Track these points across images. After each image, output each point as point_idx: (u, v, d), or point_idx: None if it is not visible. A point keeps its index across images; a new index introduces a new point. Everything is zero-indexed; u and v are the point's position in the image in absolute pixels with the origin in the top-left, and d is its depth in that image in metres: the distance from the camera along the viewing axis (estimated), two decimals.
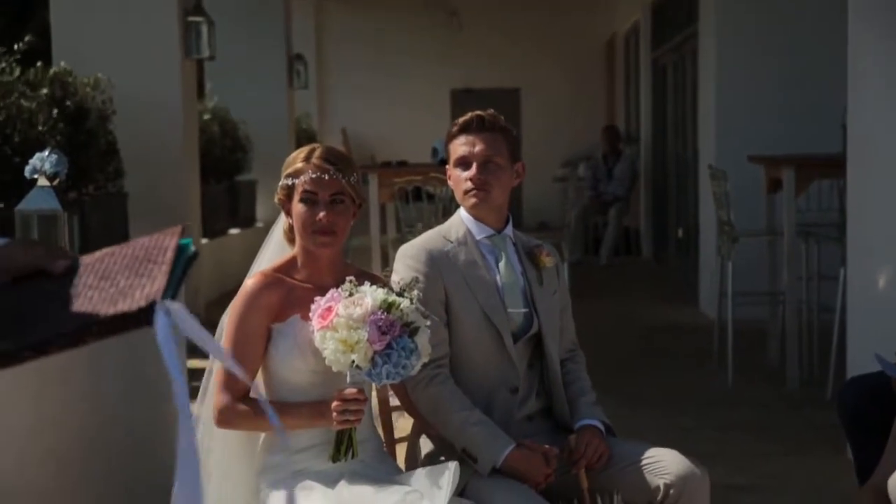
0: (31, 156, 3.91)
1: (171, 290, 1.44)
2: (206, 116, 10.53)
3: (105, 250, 1.63)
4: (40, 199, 3.80)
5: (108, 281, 1.50)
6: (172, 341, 1.41)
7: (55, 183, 3.83)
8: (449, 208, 7.57)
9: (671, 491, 2.80)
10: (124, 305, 1.42)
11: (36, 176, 3.83)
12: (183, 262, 1.51)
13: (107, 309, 1.42)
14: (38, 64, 7.00)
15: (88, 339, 1.42)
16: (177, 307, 1.41)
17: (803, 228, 6.60)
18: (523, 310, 3.00)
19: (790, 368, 6.37)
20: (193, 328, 1.44)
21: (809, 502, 4.51)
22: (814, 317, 6.71)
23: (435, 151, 10.95)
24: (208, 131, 10.39)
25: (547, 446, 2.84)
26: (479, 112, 3.02)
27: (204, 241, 9.32)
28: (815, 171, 6.48)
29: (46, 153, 3.84)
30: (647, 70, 13.10)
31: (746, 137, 8.02)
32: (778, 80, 8.27)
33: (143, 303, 1.41)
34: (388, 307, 2.58)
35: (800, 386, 6.34)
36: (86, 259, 1.62)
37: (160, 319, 1.40)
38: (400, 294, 2.63)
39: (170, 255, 1.50)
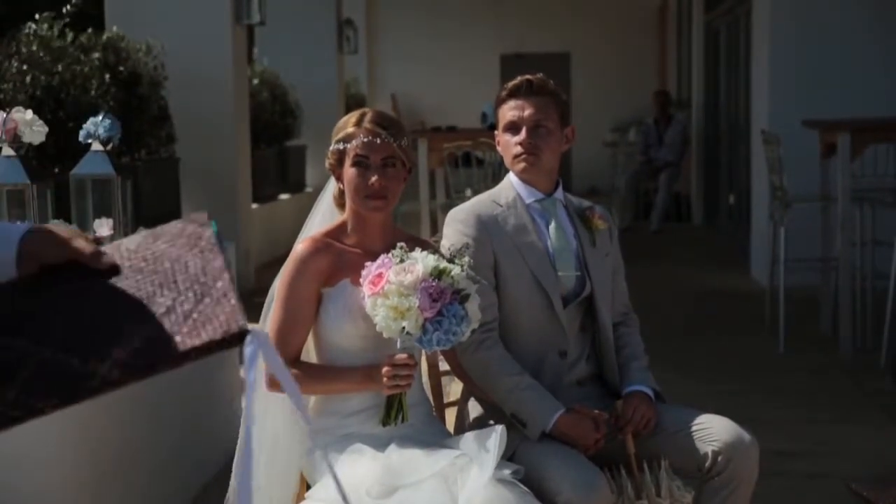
0: (85, 121, 3.95)
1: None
2: (255, 81, 10.56)
3: (137, 240, 1.58)
4: (94, 163, 3.85)
5: (169, 290, 1.48)
6: (256, 369, 1.43)
7: (108, 148, 3.87)
8: (498, 173, 7.56)
9: (719, 458, 2.78)
10: (213, 329, 1.42)
11: (90, 141, 3.87)
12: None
13: (196, 332, 1.42)
14: (89, 29, 7.05)
15: (186, 362, 1.42)
16: (263, 336, 1.43)
17: (858, 193, 6.51)
18: (575, 273, 2.98)
19: (843, 335, 6.31)
20: (274, 360, 1.46)
21: (860, 469, 4.47)
22: (868, 283, 6.64)
23: (484, 116, 10.92)
24: (258, 97, 10.42)
25: (597, 411, 2.83)
26: (528, 76, 2.99)
27: (254, 206, 9.38)
28: (871, 136, 6.39)
29: (100, 118, 3.88)
30: (699, 33, 12.95)
31: (800, 102, 7.91)
32: (833, 44, 8.13)
33: (234, 328, 1.42)
34: (438, 274, 2.57)
35: (852, 353, 6.28)
36: (121, 251, 1.57)
37: (250, 349, 1.41)
38: (451, 261, 2.63)
39: (221, 261, 1.52)
